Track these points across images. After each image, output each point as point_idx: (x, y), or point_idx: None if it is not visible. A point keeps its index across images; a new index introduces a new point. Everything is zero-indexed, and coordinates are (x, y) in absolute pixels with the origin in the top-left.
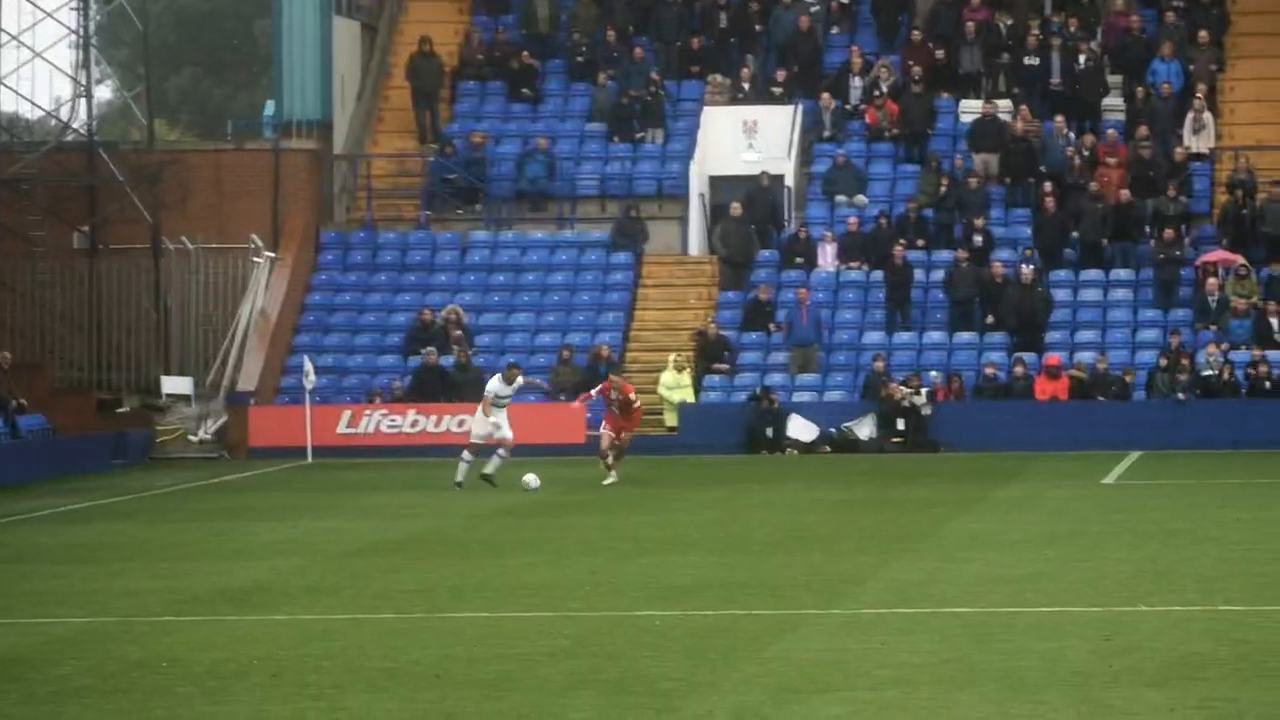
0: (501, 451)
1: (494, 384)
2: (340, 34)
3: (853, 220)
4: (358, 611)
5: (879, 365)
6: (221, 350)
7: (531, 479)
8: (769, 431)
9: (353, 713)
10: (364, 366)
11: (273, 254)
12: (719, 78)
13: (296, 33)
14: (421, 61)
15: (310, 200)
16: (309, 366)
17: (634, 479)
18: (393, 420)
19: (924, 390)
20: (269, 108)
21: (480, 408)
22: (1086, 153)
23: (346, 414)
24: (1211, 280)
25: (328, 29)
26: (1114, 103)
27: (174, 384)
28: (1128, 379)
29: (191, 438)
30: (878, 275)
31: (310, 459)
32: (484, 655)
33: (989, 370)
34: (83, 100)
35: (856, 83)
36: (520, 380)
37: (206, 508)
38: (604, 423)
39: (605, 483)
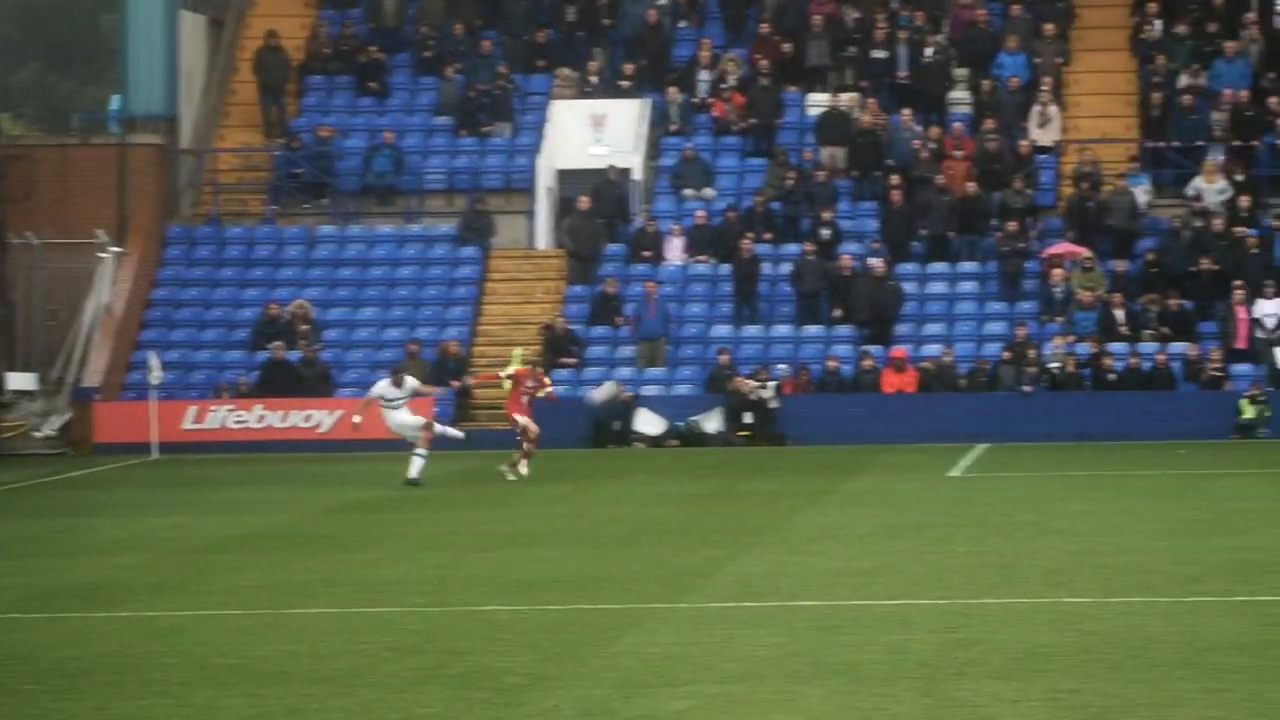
0: (421, 450)
1: (381, 386)
2: (187, 28)
3: (700, 214)
4: (203, 608)
5: (724, 359)
6: (66, 346)
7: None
8: (616, 425)
9: (198, 709)
10: (210, 362)
11: (118, 249)
12: (566, 71)
13: (143, 27)
14: (268, 56)
15: (156, 195)
16: (155, 362)
17: (481, 474)
18: (239, 416)
19: (771, 384)
20: (115, 102)
21: (362, 405)
22: (933, 145)
23: (193, 409)
24: (1057, 272)
25: (174, 23)
26: (960, 96)
27: (18, 380)
28: (984, 367)
29: (36, 434)
30: (725, 269)
31: (156, 455)
32: (330, 651)
33: (831, 364)
34: None
35: (704, 76)
36: (411, 383)
37: (51, 504)
38: (519, 413)
39: (512, 477)
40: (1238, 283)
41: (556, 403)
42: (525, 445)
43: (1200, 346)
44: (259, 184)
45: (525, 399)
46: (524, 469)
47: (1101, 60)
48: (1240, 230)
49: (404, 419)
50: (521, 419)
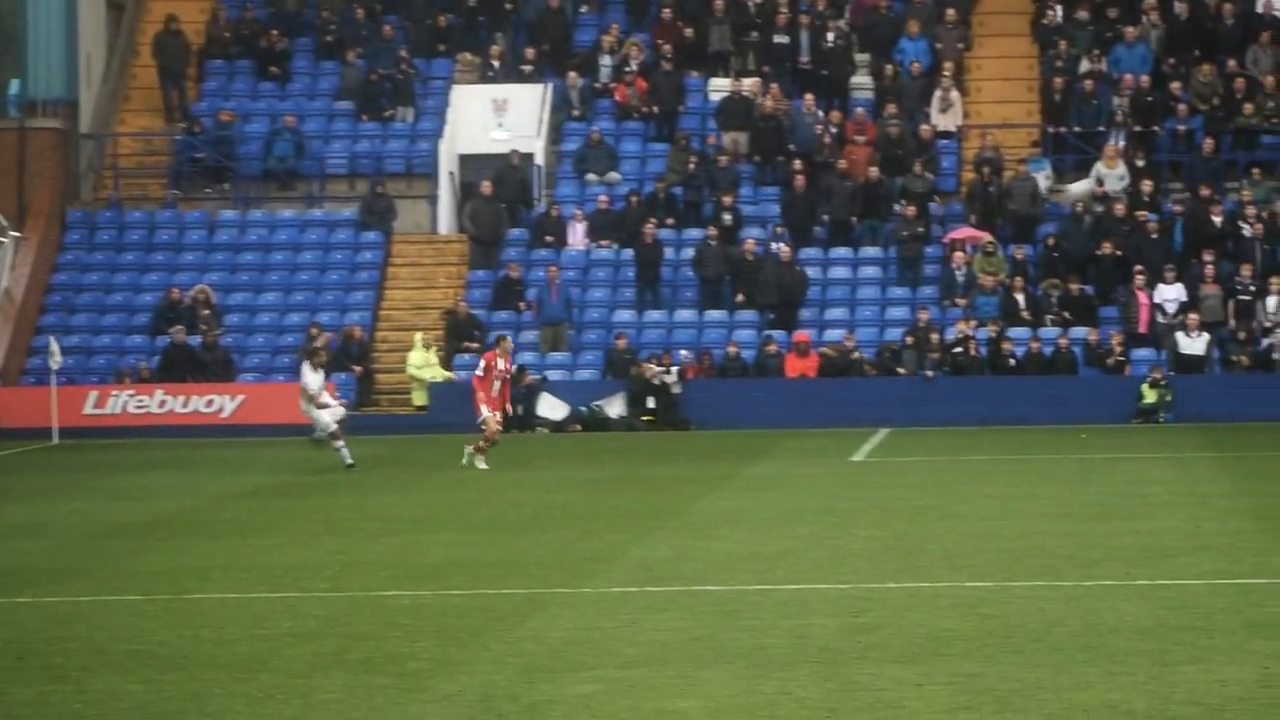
0: (324, 436)
1: (309, 377)
2: (86, 11)
3: (603, 199)
4: (104, 594)
5: (621, 343)
6: None
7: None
8: (519, 410)
9: (98, 695)
10: (111, 346)
11: (18, 233)
12: (469, 56)
13: (42, 10)
14: (168, 39)
15: (56, 179)
16: (55, 347)
17: (384, 459)
18: (140, 400)
19: (674, 369)
20: (14, 86)
21: (307, 403)
22: (835, 131)
23: (93, 394)
24: (959, 256)
25: (73, 6)
26: (862, 81)
27: None
28: (890, 351)
29: None
30: (628, 254)
31: (57, 440)
32: (231, 636)
33: (731, 349)
34: None
35: (606, 61)
36: (324, 359)
37: None
38: (484, 404)
39: (481, 467)
40: (1138, 268)
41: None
42: (482, 441)
43: (1101, 331)
44: (160, 168)
45: (497, 384)
46: (480, 463)
47: (1003, 45)
48: (1141, 215)
49: (327, 404)
50: (486, 412)
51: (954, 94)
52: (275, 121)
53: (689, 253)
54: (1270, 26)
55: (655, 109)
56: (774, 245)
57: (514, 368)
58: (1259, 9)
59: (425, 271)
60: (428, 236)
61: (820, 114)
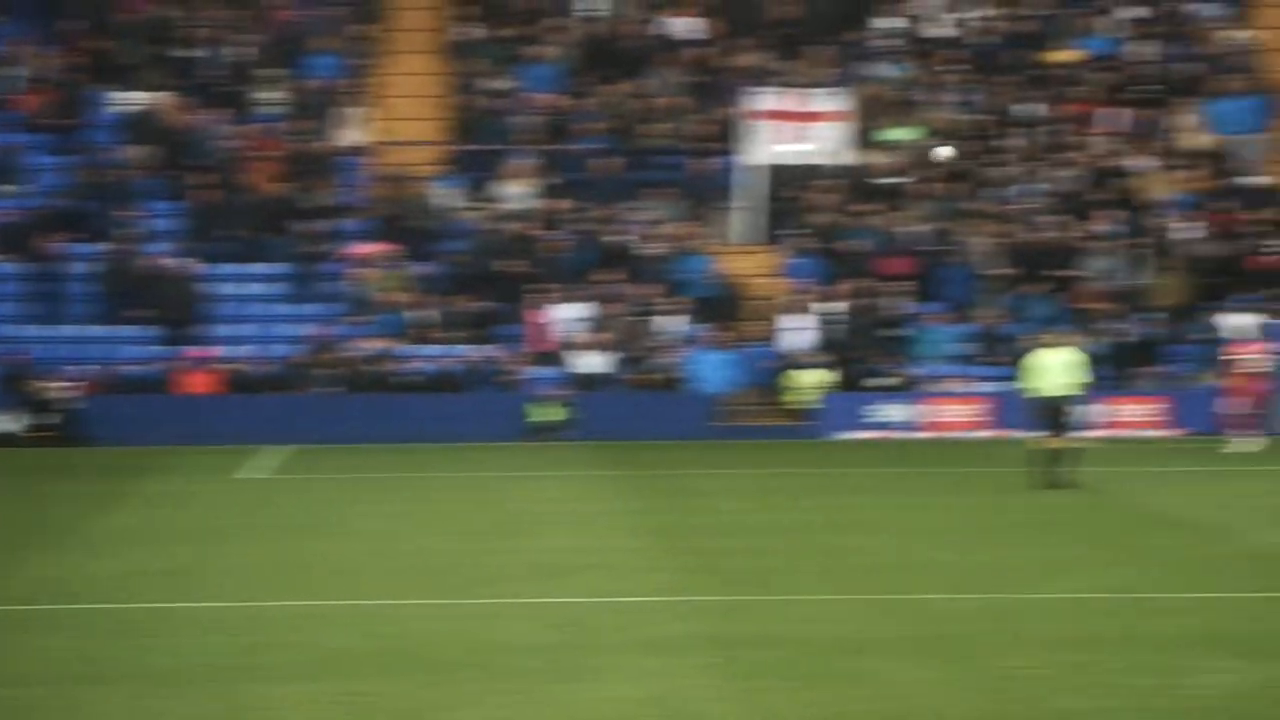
0: None
1: None
2: None
3: (2, 211)
4: None
5: (21, 359)
6: None
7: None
8: None
9: None
10: None
11: None
12: None
13: None
14: None
15: None
16: None
17: None
18: None
19: (72, 383)
20: None
21: None
22: (242, 145)
23: None
24: (362, 272)
25: None
26: (270, 95)
27: None
28: (293, 367)
29: None
30: (27, 267)
31: None
32: None
33: (130, 365)
34: None
35: (11, 71)
36: None
37: None
38: None
39: None
40: (540, 286)
41: None
42: None
43: (502, 349)
44: None
45: None
46: None
47: (413, 62)
48: (545, 234)
49: None
50: None
51: (362, 110)
52: None
53: (90, 266)
54: (671, 48)
55: (61, 120)
56: (176, 259)
57: None
58: (661, 31)
59: None
60: None
61: (227, 128)
